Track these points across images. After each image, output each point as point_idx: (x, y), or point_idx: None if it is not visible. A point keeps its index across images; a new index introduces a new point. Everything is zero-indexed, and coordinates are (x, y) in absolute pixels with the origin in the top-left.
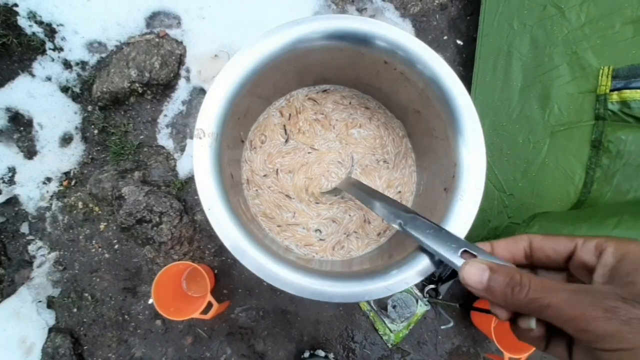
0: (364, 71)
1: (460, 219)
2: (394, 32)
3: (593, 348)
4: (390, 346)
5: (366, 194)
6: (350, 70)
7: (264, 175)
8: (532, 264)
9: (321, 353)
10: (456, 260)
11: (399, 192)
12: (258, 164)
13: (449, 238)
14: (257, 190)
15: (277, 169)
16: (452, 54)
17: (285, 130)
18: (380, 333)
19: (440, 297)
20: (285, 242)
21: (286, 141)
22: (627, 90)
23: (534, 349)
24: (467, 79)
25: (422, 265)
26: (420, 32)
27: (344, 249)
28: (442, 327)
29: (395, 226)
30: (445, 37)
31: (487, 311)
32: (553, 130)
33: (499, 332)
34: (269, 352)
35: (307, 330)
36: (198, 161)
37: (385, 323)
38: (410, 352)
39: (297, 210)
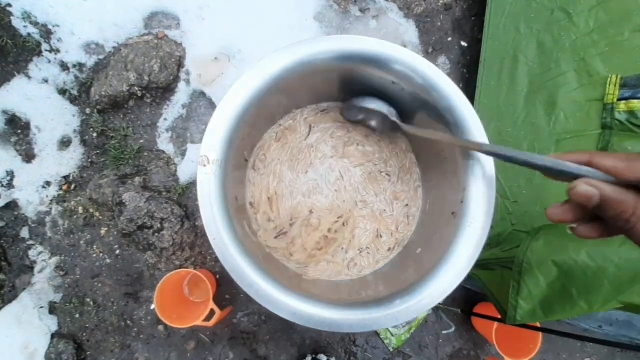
0: (368, 89)
1: (470, 246)
2: (413, 57)
3: None
4: (391, 349)
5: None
6: (353, 88)
7: (268, 198)
8: None
9: (323, 357)
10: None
11: (406, 205)
12: (260, 186)
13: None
14: (260, 215)
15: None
16: (456, 56)
17: (287, 150)
18: (381, 337)
19: (441, 302)
20: (295, 266)
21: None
22: (635, 100)
23: (533, 353)
24: (470, 82)
25: (428, 294)
26: (424, 33)
27: (356, 266)
28: (444, 331)
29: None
30: (449, 38)
31: (488, 317)
32: (558, 137)
33: (500, 336)
34: (271, 356)
35: (308, 334)
36: (202, 190)
37: (389, 327)
38: (412, 355)
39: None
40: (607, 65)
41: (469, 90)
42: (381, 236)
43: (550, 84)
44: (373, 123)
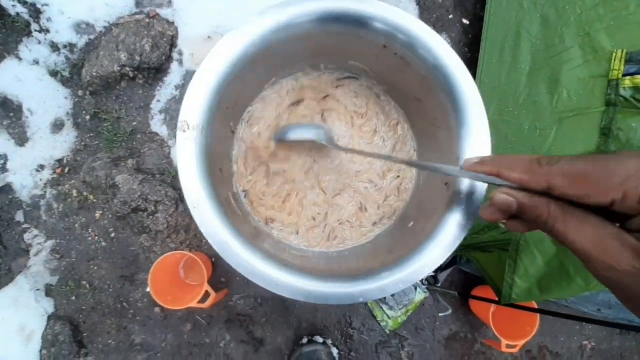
0: (361, 56)
1: (461, 217)
2: (394, 13)
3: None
4: (388, 332)
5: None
6: (345, 55)
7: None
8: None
9: (319, 339)
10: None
11: (398, 177)
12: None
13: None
14: (250, 180)
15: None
16: (458, 34)
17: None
18: (378, 319)
19: (439, 285)
20: (280, 234)
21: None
22: None
23: (531, 335)
24: (472, 61)
25: (418, 266)
26: (424, 10)
27: (337, 238)
28: (440, 314)
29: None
30: (451, 16)
31: (486, 299)
32: (561, 116)
33: (497, 318)
34: (268, 337)
35: (305, 316)
36: (182, 156)
37: (383, 310)
38: (408, 338)
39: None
40: (612, 40)
41: (471, 70)
42: (366, 210)
43: (553, 61)
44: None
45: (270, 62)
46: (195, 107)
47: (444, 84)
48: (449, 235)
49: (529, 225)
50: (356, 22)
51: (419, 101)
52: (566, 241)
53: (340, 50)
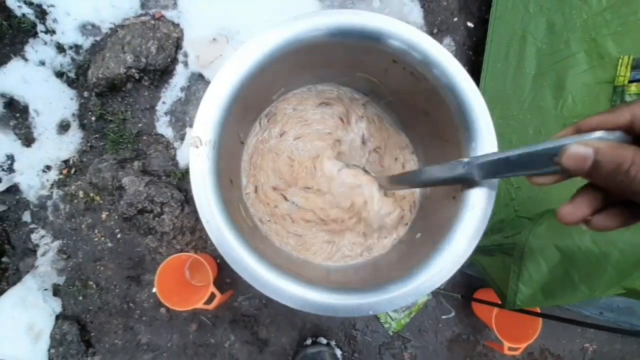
0: (370, 69)
1: (470, 231)
2: (410, 30)
3: None
4: (391, 334)
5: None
6: (355, 67)
7: (274, 188)
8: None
9: (323, 340)
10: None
11: (396, 159)
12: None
13: (537, 152)
14: (258, 199)
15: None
16: (462, 37)
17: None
18: (381, 321)
19: (442, 287)
20: (300, 256)
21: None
22: None
23: (533, 338)
24: (477, 65)
25: (426, 280)
26: (429, 13)
27: (368, 249)
28: (443, 316)
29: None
30: (456, 19)
31: (488, 302)
32: (566, 122)
33: (500, 321)
34: (272, 339)
35: (309, 318)
36: (195, 172)
37: (386, 312)
38: (411, 339)
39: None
40: (619, 46)
41: (475, 73)
42: (402, 218)
43: (559, 66)
44: None
45: (279, 74)
46: (207, 124)
47: (454, 102)
48: (457, 248)
49: (620, 216)
50: (370, 38)
51: (427, 114)
52: None
53: (349, 63)
